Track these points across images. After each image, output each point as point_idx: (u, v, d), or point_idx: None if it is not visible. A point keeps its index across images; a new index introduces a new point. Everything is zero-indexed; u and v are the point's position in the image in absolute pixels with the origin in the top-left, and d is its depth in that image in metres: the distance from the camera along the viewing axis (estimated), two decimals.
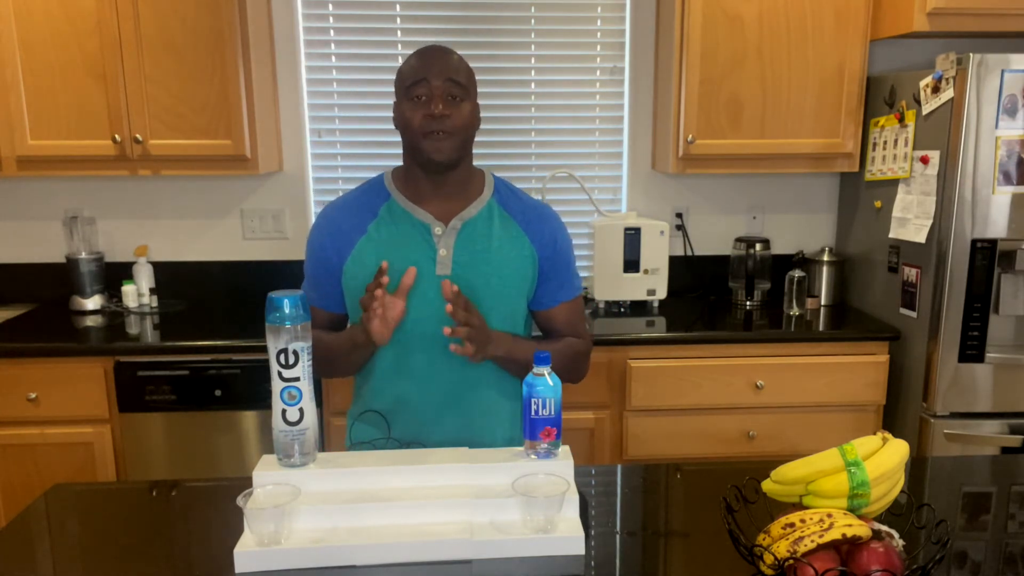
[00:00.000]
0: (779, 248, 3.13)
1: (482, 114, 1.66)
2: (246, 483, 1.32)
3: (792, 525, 1.16)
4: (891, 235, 2.65)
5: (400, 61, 1.97)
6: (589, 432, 2.61)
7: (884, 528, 1.16)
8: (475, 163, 1.70)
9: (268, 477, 1.32)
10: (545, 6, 2.94)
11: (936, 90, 2.41)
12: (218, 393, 2.51)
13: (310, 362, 1.34)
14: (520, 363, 1.59)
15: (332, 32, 2.93)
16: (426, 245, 1.60)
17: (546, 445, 1.37)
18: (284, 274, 3.05)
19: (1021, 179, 2.36)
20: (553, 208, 1.75)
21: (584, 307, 2.00)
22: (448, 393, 1.63)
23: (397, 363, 1.63)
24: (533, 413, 1.36)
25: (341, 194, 1.73)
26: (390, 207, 1.63)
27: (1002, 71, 2.30)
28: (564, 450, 1.40)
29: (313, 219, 2.61)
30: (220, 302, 3.02)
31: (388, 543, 1.24)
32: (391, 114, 1.62)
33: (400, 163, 1.68)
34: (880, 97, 2.70)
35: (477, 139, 1.68)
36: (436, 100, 1.53)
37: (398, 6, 2.91)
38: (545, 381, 1.36)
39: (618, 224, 2.83)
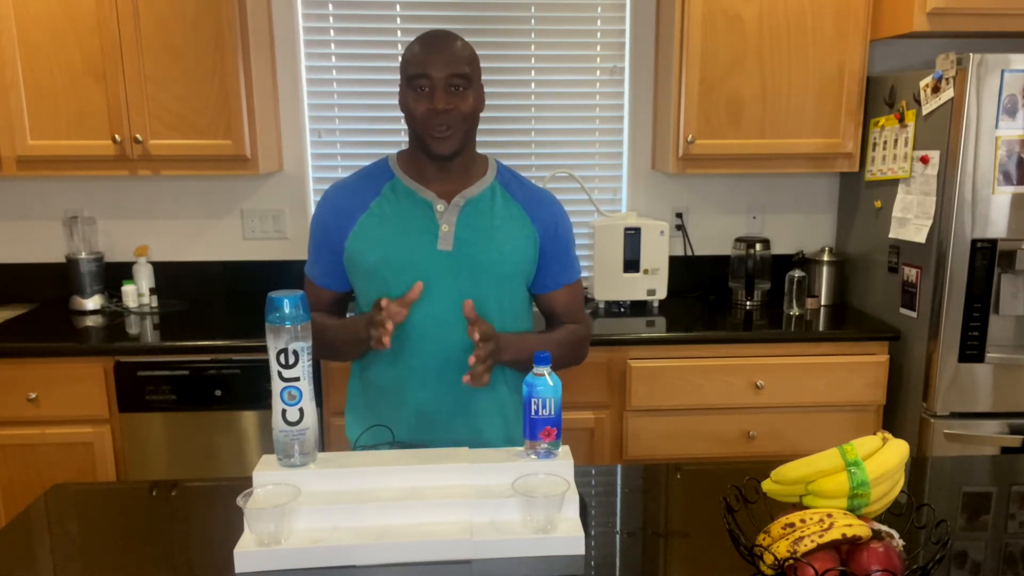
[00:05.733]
0: (779, 248, 3.13)
1: (482, 114, 1.67)
2: (246, 483, 1.32)
3: (792, 525, 1.16)
4: (891, 235, 2.65)
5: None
6: (589, 432, 2.61)
7: (884, 528, 1.16)
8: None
9: (268, 477, 1.32)
10: (545, 6, 2.94)
11: (936, 90, 2.41)
12: (218, 393, 2.51)
13: (310, 362, 1.34)
14: (526, 362, 1.59)
15: (332, 32, 2.93)
16: (428, 221, 1.62)
17: (546, 445, 1.37)
18: (284, 274, 3.05)
19: (1021, 179, 2.36)
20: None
21: (583, 291, 2.02)
22: (456, 387, 1.62)
23: (397, 348, 1.63)
24: (533, 413, 1.36)
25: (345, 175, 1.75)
26: (393, 186, 1.66)
27: (1002, 71, 2.30)
28: (564, 450, 1.40)
29: None
30: (220, 302, 3.02)
31: (388, 543, 1.24)
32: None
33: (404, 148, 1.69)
34: (880, 97, 2.70)
35: (478, 137, 1.69)
36: (438, 93, 1.55)
37: (398, 6, 2.91)
38: (545, 381, 1.36)
39: (618, 224, 2.83)
